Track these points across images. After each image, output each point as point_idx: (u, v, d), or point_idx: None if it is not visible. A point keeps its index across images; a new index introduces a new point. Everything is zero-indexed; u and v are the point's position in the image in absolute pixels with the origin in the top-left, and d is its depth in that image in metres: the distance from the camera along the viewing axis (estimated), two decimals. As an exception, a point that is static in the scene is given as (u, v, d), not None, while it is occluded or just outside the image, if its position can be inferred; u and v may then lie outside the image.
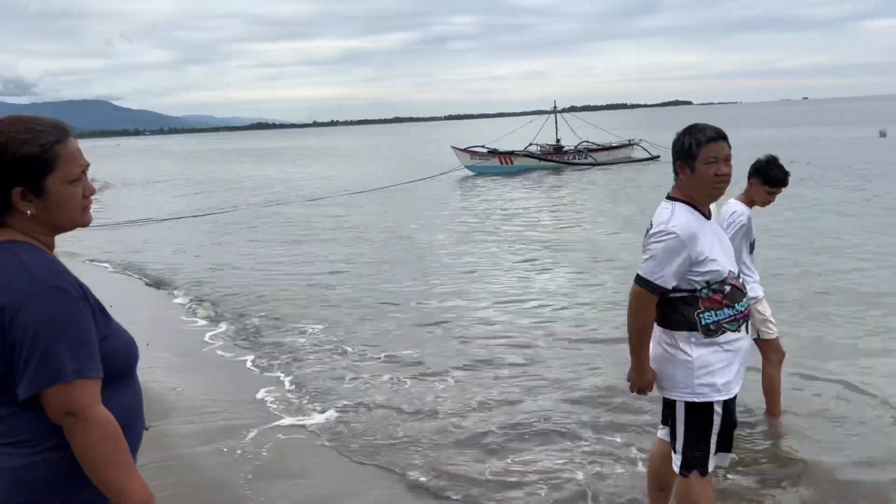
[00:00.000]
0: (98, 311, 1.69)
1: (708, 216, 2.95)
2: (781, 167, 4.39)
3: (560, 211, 16.47)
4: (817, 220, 12.43)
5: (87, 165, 1.73)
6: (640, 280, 2.86)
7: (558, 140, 31.54)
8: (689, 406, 2.89)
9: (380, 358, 6.32)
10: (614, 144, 31.33)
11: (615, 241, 11.75)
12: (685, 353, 2.86)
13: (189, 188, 28.86)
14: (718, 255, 2.86)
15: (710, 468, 2.97)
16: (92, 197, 1.75)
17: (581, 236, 12.59)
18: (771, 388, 4.64)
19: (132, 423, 1.74)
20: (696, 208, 2.90)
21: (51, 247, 1.72)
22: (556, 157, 29.41)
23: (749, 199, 4.41)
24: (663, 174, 23.79)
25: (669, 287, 2.83)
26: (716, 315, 2.84)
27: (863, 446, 4.27)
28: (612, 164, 28.96)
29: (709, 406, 2.86)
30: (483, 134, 48.09)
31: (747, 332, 2.95)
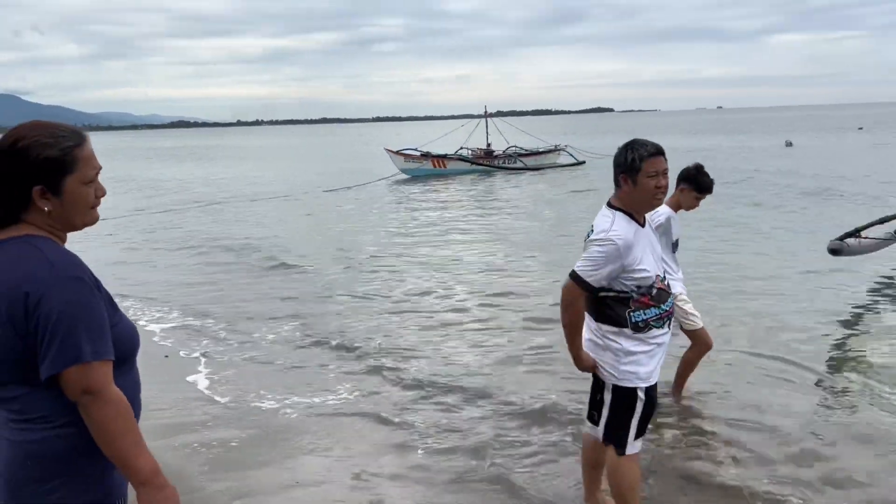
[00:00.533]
0: (108, 301, 1.85)
1: (643, 224, 3.25)
2: (709, 175, 4.86)
3: (498, 212, 17.12)
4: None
5: (100, 168, 1.89)
6: (574, 276, 3.12)
7: (489, 144, 32.28)
8: (617, 390, 3.23)
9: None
10: (541, 150, 32.27)
11: (552, 241, 12.58)
12: (614, 342, 3.18)
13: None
14: (649, 263, 3.16)
15: (637, 449, 3.32)
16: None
17: (519, 235, 13.31)
18: (684, 372, 5.11)
19: (132, 406, 1.90)
20: (633, 218, 3.19)
21: (63, 242, 1.88)
22: (487, 161, 30.17)
23: (675, 203, 4.84)
24: (590, 178, 24.94)
25: (598, 287, 3.12)
26: (644, 314, 3.15)
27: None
28: (541, 168, 29.89)
29: (633, 391, 3.21)
30: (414, 136, 48.49)
31: (669, 328, 3.28)
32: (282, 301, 8.67)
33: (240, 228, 15.34)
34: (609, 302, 3.17)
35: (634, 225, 3.17)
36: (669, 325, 3.28)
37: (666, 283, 3.28)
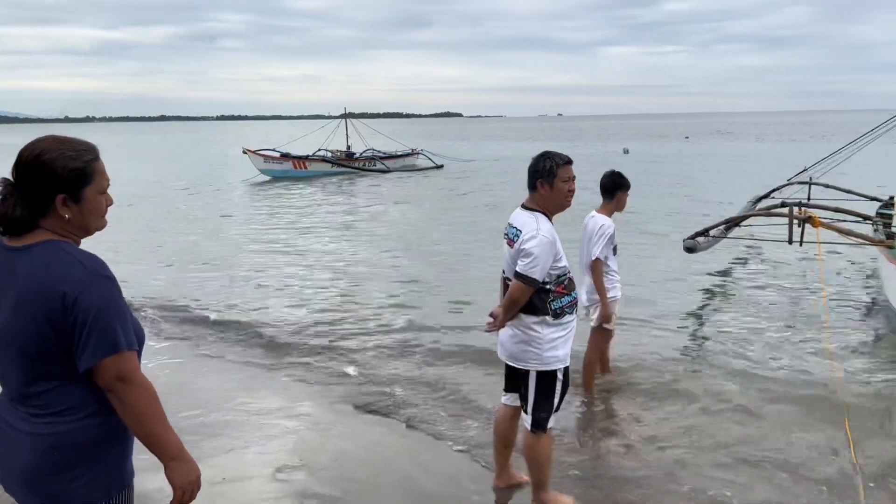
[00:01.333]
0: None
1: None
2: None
3: (367, 215, 17.20)
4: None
5: (109, 181, 2.06)
6: (524, 279, 3.47)
7: (349, 146, 32.18)
8: (540, 374, 3.60)
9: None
10: (399, 153, 32.66)
11: (425, 239, 12.88)
12: (537, 332, 3.55)
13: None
14: (564, 257, 3.58)
15: (552, 424, 3.72)
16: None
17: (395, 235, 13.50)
18: (592, 366, 5.53)
19: None
20: (549, 218, 3.61)
21: (78, 245, 2.03)
22: (348, 164, 30.07)
23: (611, 211, 5.32)
24: (449, 181, 25.63)
25: (542, 281, 3.48)
26: (561, 302, 3.56)
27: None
28: (401, 171, 30.21)
29: (554, 374, 3.61)
30: (262, 136, 47.23)
31: (576, 315, 3.70)
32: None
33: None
34: (535, 293, 3.53)
35: (552, 223, 3.59)
36: (576, 311, 3.71)
37: (571, 274, 3.69)
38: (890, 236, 8.24)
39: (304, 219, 16.56)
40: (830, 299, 8.32)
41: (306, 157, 29.07)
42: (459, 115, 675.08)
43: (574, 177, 3.66)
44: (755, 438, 4.75)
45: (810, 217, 7.94)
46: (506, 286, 3.68)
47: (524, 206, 3.67)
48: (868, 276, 9.51)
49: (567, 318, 3.61)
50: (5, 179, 1.95)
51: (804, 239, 7.78)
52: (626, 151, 42.01)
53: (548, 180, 3.57)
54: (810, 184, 12.39)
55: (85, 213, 1.98)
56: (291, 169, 27.98)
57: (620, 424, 5.08)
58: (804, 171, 12.24)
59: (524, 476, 3.99)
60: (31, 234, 1.94)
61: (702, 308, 8.43)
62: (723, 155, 38.93)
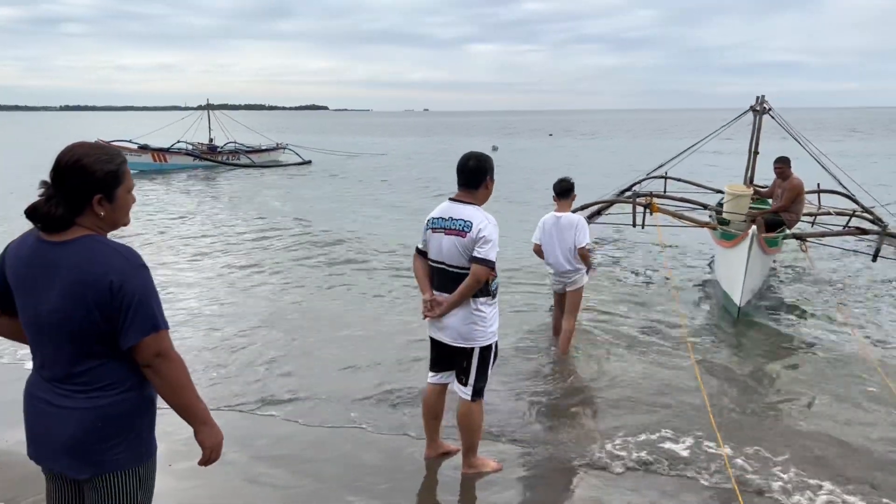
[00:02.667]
0: None
1: None
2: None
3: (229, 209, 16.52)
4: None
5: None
6: (487, 262, 3.83)
7: (212, 139, 30.91)
8: (483, 349, 4.00)
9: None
10: (264, 147, 31.75)
11: (284, 237, 12.54)
12: (483, 311, 3.94)
13: None
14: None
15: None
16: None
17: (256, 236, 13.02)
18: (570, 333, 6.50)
19: None
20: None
21: None
22: (211, 157, 28.81)
23: (569, 207, 6.48)
24: (314, 177, 25.19)
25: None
26: (496, 283, 3.99)
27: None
28: (267, 165, 29.36)
29: (492, 347, 4.04)
30: (117, 128, 44.40)
31: None
32: None
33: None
34: None
35: None
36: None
37: None
38: (722, 222, 9.23)
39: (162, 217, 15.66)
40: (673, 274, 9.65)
41: (166, 150, 27.59)
42: (325, 107, 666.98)
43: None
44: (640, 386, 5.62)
45: (650, 204, 9.40)
46: (444, 274, 3.96)
47: (459, 200, 3.98)
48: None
49: (497, 298, 4.06)
50: (46, 182, 2.19)
51: (647, 222, 9.44)
52: (494, 148, 42.92)
53: (492, 179, 4.03)
54: (665, 178, 13.48)
55: (116, 210, 2.24)
56: (151, 162, 26.46)
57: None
58: (661, 166, 13.16)
59: (452, 445, 4.49)
60: (69, 230, 2.18)
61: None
62: (586, 150, 40.84)
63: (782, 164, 9.47)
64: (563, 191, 6.47)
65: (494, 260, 3.87)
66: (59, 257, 2.15)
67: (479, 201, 4.01)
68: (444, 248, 3.93)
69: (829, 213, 11.07)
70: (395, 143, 50.36)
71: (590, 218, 11.18)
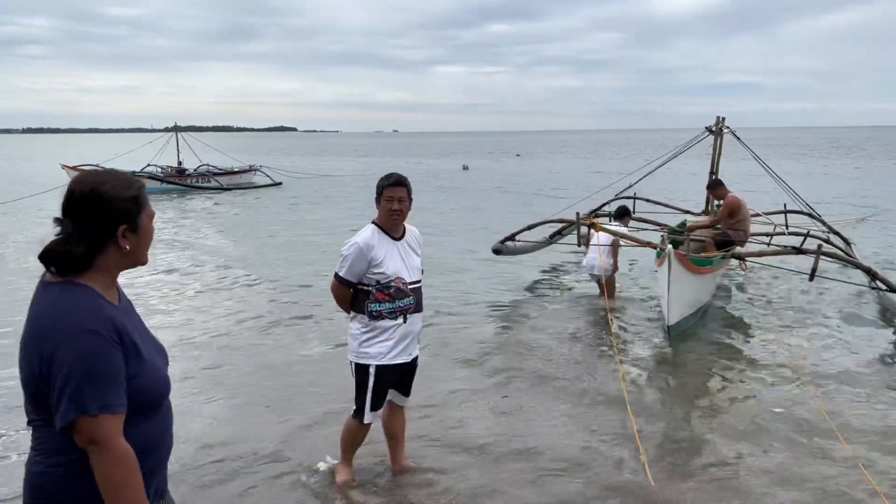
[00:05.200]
0: (133, 352, 1.93)
1: (396, 237, 3.98)
2: None
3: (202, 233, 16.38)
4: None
5: None
6: (336, 276, 3.98)
7: (180, 162, 30.61)
8: (357, 366, 4.02)
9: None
10: (236, 169, 31.46)
11: (264, 258, 12.48)
12: (353, 327, 4.01)
13: None
14: (390, 264, 3.89)
15: (371, 420, 4.09)
16: None
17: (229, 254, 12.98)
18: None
19: (156, 448, 2.05)
20: (385, 231, 3.97)
21: (114, 283, 2.02)
22: (179, 180, 28.50)
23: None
24: (286, 199, 25.08)
25: (354, 281, 3.93)
26: (380, 306, 3.91)
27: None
28: (238, 188, 29.08)
29: (366, 369, 3.98)
30: (84, 151, 43.66)
31: (405, 321, 3.97)
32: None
33: None
34: (359, 293, 3.96)
35: (384, 236, 3.95)
36: (405, 318, 3.98)
37: (408, 286, 3.97)
38: (676, 244, 9.49)
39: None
40: (620, 294, 9.63)
41: (133, 174, 27.00)
42: (294, 129, 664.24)
43: (401, 197, 3.93)
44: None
45: (593, 223, 9.49)
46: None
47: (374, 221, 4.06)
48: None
49: (385, 322, 3.94)
50: (60, 219, 1.92)
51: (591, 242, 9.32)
52: (465, 168, 43.29)
53: (378, 199, 3.96)
54: (635, 198, 13.63)
55: (141, 240, 2.00)
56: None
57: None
58: (630, 187, 13.32)
59: (412, 463, 4.53)
60: (83, 273, 1.91)
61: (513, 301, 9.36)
62: (553, 170, 41.24)
63: (713, 189, 10.14)
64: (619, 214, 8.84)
65: (342, 275, 3.93)
66: (35, 303, 1.92)
67: (378, 220, 4.02)
68: None
69: (783, 234, 11.17)
70: (376, 163, 50.31)
71: (551, 238, 11.54)
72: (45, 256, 1.90)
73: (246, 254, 13.54)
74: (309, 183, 32.39)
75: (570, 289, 10.29)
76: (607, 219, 10.74)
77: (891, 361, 6.95)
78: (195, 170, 29.64)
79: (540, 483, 4.49)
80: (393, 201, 3.90)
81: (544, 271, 11.37)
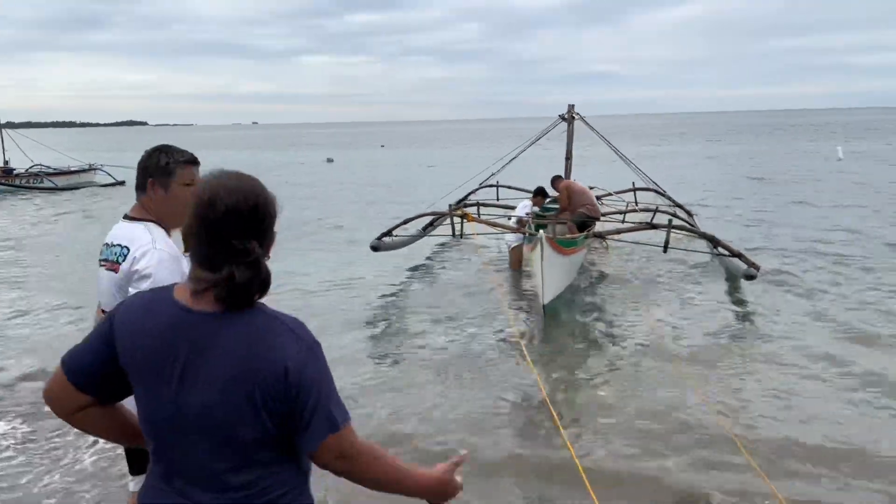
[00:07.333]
0: None
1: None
2: None
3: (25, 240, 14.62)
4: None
5: None
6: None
7: (7, 161, 27.74)
8: None
9: None
10: (74, 169, 28.99)
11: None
12: None
13: None
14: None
15: (135, 487, 2.70)
16: None
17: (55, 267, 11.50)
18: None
19: None
20: (164, 228, 2.74)
21: None
22: (7, 181, 25.75)
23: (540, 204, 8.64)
24: (128, 198, 23.13)
25: None
26: None
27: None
28: (75, 188, 26.75)
29: None
30: None
31: None
32: None
33: None
34: None
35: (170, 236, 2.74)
36: None
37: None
38: (539, 227, 9.74)
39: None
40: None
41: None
42: (145, 123, 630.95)
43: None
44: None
45: (465, 214, 10.01)
46: None
47: (127, 217, 2.77)
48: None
49: None
50: (243, 243, 1.58)
51: (466, 231, 10.28)
52: (329, 160, 42.22)
53: (161, 181, 2.70)
54: (497, 186, 13.66)
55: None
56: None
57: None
58: (492, 175, 13.29)
59: None
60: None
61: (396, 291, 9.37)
62: (419, 161, 41.12)
63: (553, 183, 10.79)
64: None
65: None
66: (218, 335, 1.58)
67: (152, 214, 2.73)
68: (103, 289, 2.72)
69: (635, 210, 11.99)
70: (232, 157, 48.04)
71: (424, 230, 11.38)
72: (231, 286, 1.57)
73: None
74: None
75: (451, 272, 10.53)
76: (475, 208, 11.42)
77: (736, 322, 7.89)
78: (27, 170, 27.04)
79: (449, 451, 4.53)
80: (193, 186, 2.61)
81: (426, 258, 11.47)
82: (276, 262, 1.77)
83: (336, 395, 1.66)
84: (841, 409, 5.39)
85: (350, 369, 6.30)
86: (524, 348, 6.77)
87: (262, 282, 1.60)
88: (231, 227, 1.56)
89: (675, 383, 5.91)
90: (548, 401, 5.43)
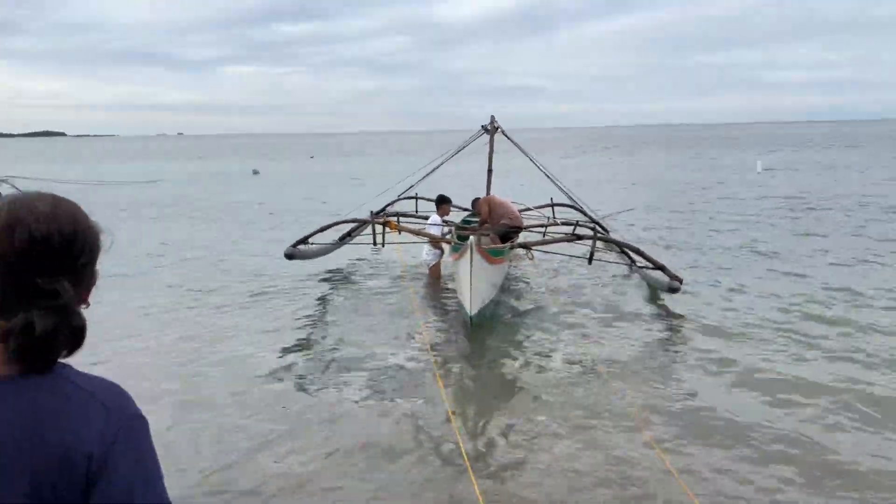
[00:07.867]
0: None
1: None
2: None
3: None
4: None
5: None
6: None
7: None
8: None
9: None
10: (-25, 182, 27.76)
11: None
12: None
13: None
14: None
15: None
16: None
17: None
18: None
19: None
20: None
21: None
22: None
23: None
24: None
25: None
26: None
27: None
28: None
29: None
30: None
31: None
32: None
33: None
34: None
35: None
36: None
37: None
38: (461, 238, 9.81)
39: None
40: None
41: None
42: (62, 133, 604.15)
43: None
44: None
45: (388, 222, 10.01)
46: None
47: None
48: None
49: None
50: (56, 283, 1.18)
51: (387, 241, 10.17)
52: (255, 172, 41.59)
53: None
54: (417, 199, 13.93)
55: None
56: None
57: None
58: (411, 187, 13.55)
59: None
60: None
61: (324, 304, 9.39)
62: (346, 172, 41.08)
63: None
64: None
65: None
66: (19, 409, 1.17)
67: None
68: None
69: (556, 224, 12.06)
70: (161, 167, 46.74)
71: (341, 239, 11.43)
72: (32, 337, 1.16)
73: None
74: (77, 190, 29.39)
75: (369, 283, 10.49)
76: (395, 217, 11.19)
77: (658, 334, 7.98)
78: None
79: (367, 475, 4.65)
80: None
81: (338, 269, 11.29)
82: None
83: (159, 491, 1.23)
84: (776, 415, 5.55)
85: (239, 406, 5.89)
86: (439, 368, 6.60)
87: (72, 334, 1.21)
88: (36, 261, 1.18)
89: (600, 404, 5.79)
90: (458, 433, 5.18)
